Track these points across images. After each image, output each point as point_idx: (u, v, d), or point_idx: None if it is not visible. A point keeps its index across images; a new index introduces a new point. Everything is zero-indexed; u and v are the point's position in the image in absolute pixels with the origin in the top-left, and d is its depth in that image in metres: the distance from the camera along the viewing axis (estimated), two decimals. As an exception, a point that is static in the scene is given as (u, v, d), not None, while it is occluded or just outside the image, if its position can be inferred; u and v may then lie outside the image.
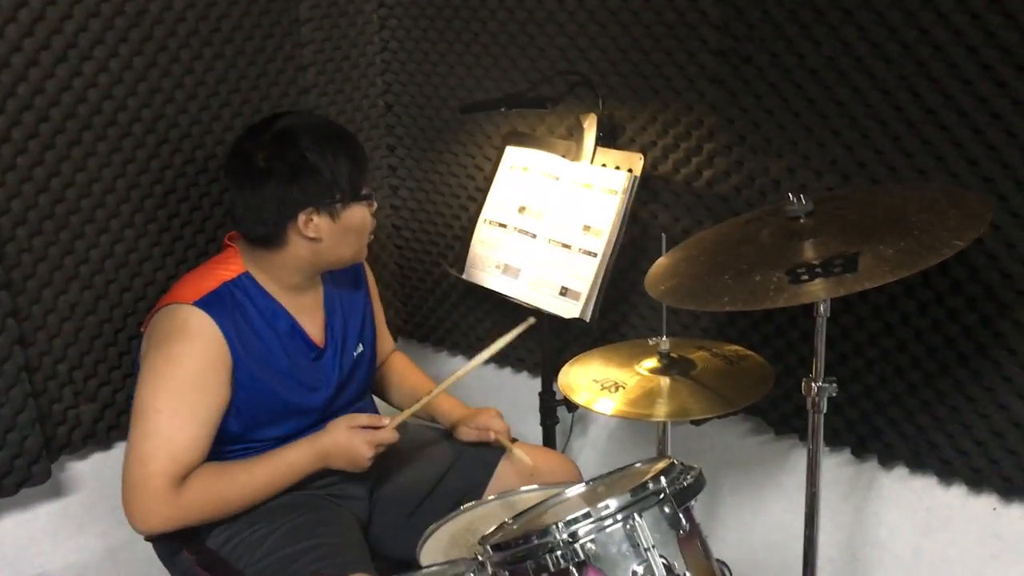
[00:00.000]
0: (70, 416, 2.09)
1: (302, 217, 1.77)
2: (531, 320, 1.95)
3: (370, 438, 1.81)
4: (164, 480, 1.69)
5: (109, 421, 2.15)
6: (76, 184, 2.01)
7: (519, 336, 1.91)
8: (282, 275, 1.85)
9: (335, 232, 1.81)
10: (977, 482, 1.93)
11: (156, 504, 1.70)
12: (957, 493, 1.98)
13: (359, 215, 1.84)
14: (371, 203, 1.86)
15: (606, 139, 2.20)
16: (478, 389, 2.72)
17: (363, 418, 1.84)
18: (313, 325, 1.91)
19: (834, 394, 1.67)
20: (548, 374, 2.36)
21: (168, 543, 1.85)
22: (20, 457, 1.98)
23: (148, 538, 1.89)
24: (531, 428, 2.44)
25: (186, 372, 1.73)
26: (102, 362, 2.12)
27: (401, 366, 2.25)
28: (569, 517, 1.31)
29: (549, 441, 2.42)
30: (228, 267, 1.84)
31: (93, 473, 2.19)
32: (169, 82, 2.12)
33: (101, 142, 2.03)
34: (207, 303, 1.76)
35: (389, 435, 1.84)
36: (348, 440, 1.80)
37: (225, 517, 1.78)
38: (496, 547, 1.35)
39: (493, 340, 2.61)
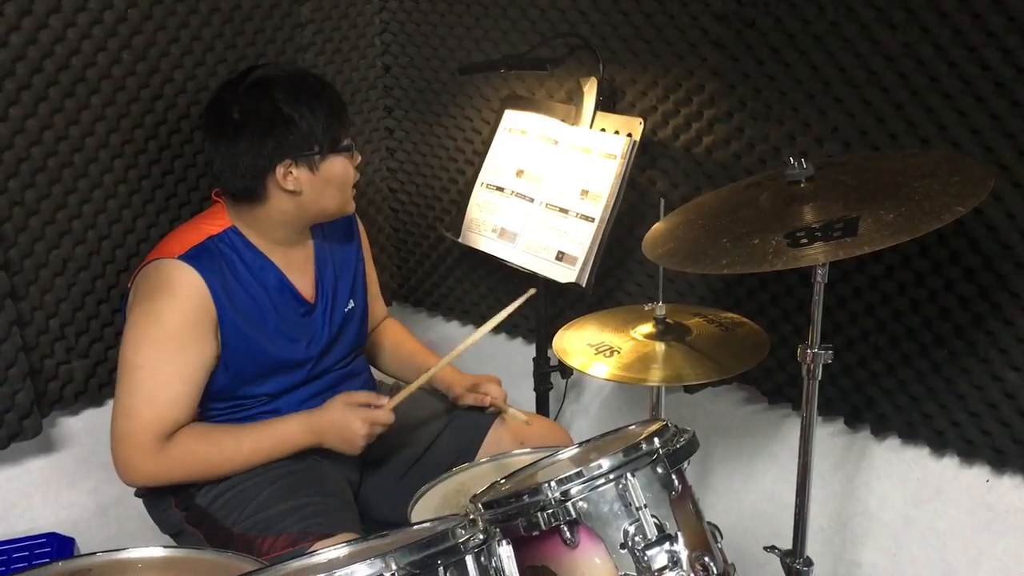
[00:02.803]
0: (62, 372, 2.08)
1: (280, 170, 1.75)
2: (532, 291, 1.93)
3: (366, 416, 1.77)
4: (148, 436, 1.69)
5: (101, 378, 2.14)
6: (69, 138, 1.99)
7: (520, 307, 1.89)
8: (267, 230, 1.83)
9: (316, 184, 1.79)
10: (969, 453, 1.93)
11: (140, 459, 1.70)
12: (949, 464, 1.98)
13: (340, 167, 1.81)
14: (352, 155, 1.83)
15: (606, 103, 2.18)
16: (472, 355, 2.68)
17: (361, 396, 1.82)
18: (303, 280, 1.89)
19: (829, 361, 1.67)
20: (543, 340, 2.35)
21: (157, 499, 1.85)
22: (11, 411, 1.97)
23: (138, 494, 1.89)
24: (525, 394, 2.44)
25: (169, 328, 1.71)
26: (94, 318, 2.10)
27: (395, 333, 2.24)
28: (561, 476, 1.30)
29: (543, 407, 2.42)
30: (214, 222, 1.82)
31: (85, 429, 2.18)
32: (164, 36, 2.09)
33: (95, 95, 2.01)
34: (191, 256, 1.74)
35: (386, 416, 1.80)
36: (344, 418, 1.78)
37: (209, 480, 1.78)
38: (487, 505, 1.34)
39: (491, 309, 2.62)
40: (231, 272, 1.78)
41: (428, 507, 1.72)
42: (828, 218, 1.45)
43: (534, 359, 2.39)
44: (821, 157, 1.91)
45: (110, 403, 2.16)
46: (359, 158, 1.87)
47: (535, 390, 2.41)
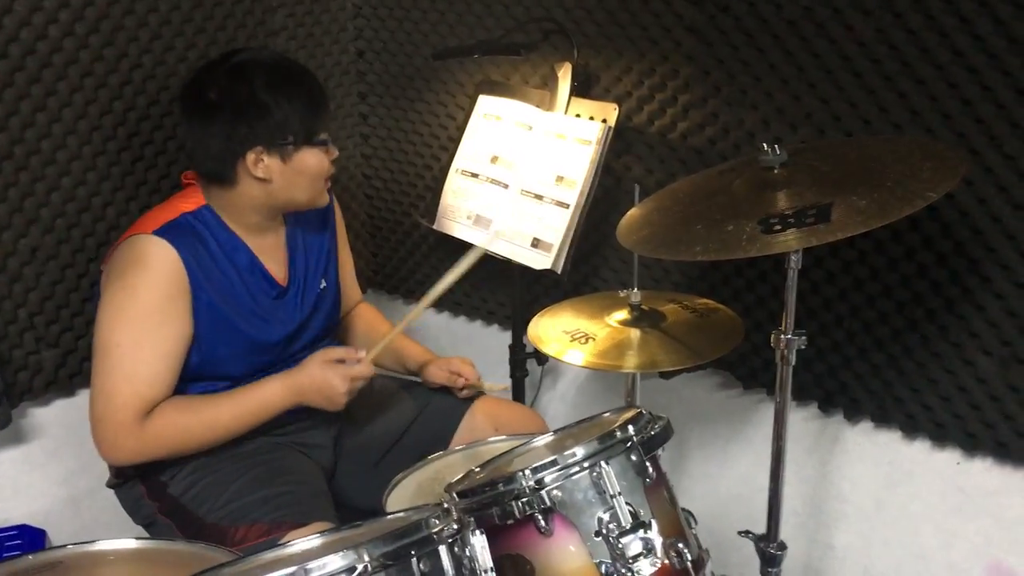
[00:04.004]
0: (31, 362, 2.05)
1: (251, 156, 1.74)
2: (480, 249, 1.90)
3: (345, 372, 1.76)
4: (129, 413, 1.67)
5: (71, 368, 2.12)
6: (35, 125, 1.96)
7: (472, 266, 1.86)
8: (238, 213, 1.81)
9: (286, 174, 1.77)
10: (941, 437, 1.95)
11: (122, 437, 1.68)
12: (921, 448, 1.99)
13: (313, 160, 1.79)
14: (328, 149, 1.82)
15: (580, 89, 2.17)
16: (447, 342, 2.71)
17: (338, 351, 1.80)
18: (275, 263, 1.88)
19: (803, 347, 1.67)
20: (518, 327, 2.35)
21: (129, 490, 1.83)
22: (-20, 402, 1.95)
23: (109, 484, 1.87)
24: (501, 380, 2.43)
25: (145, 303, 1.69)
26: (64, 307, 2.08)
27: (368, 316, 2.22)
28: (536, 464, 1.30)
29: (518, 394, 2.42)
30: (188, 200, 1.80)
31: (55, 420, 2.16)
32: (132, 20, 2.06)
33: (62, 81, 1.98)
34: (165, 231, 1.72)
35: (365, 369, 1.78)
36: (323, 374, 1.76)
37: (193, 451, 1.75)
38: (462, 494, 1.34)
39: (467, 296, 2.61)
40: (204, 248, 1.76)
41: (403, 495, 1.72)
42: (801, 204, 1.46)
43: (510, 346, 2.39)
44: (795, 143, 1.91)
45: (81, 393, 2.16)
46: (335, 153, 1.85)
47: (511, 377, 2.40)
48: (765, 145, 1.56)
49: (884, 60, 1.79)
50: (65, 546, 1.51)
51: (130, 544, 1.53)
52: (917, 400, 1.95)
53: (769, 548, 1.77)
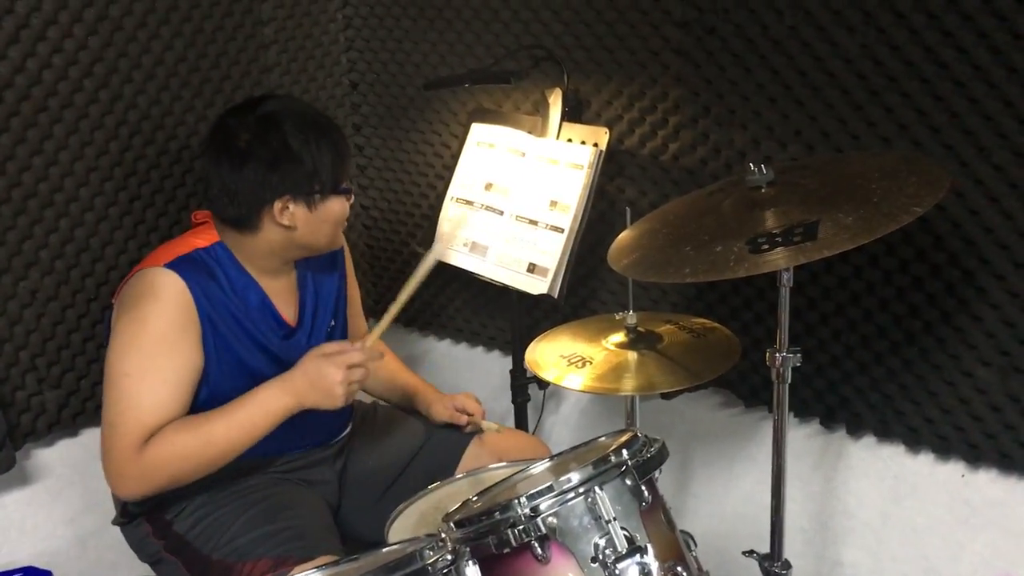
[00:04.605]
0: (34, 403, 2.07)
1: (278, 204, 1.74)
2: (435, 250, 1.89)
3: (340, 361, 1.70)
4: (131, 442, 1.65)
5: (74, 408, 2.13)
6: (32, 168, 1.99)
7: (430, 270, 1.84)
8: (254, 256, 1.81)
9: (311, 222, 1.78)
10: (944, 449, 1.94)
11: (125, 466, 1.66)
12: (925, 461, 1.99)
13: (337, 207, 1.80)
14: (350, 196, 1.83)
15: (571, 114, 2.19)
16: (449, 368, 2.72)
17: (331, 346, 1.75)
18: (285, 304, 1.88)
19: (798, 364, 1.67)
20: (518, 352, 2.35)
21: (135, 528, 1.83)
22: (-17, 445, 1.96)
23: (116, 522, 1.88)
24: (503, 406, 2.44)
25: (153, 333, 1.69)
26: (65, 348, 2.09)
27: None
28: (531, 492, 1.30)
29: (521, 419, 2.41)
30: (201, 237, 1.81)
31: (60, 460, 2.17)
32: (126, 63, 2.09)
33: (57, 124, 2.01)
34: (176, 264, 1.73)
35: (358, 355, 1.71)
36: (317, 369, 1.70)
37: (196, 474, 1.70)
38: (459, 523, 1.34)
39: (467, 322, 2.60)
40: (215, 284, 1.76)
41: (405, 526, 1.72)
42: (789, 223, 1.46)
43: (511, 371, 2.39)
44: (785, 160, 1.92)
45: (84, 433, 2.17)
46: (353, 198, 1.86)
47: (513, 402, 2.40)
48: (752, 165, 1.57)
49: (870, 75, 1.80)
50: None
51: (134, 584, 1.54)
52: (919, 413, 1.95)
53: (774, 568, 1.76)
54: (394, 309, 1.81)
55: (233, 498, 1.78)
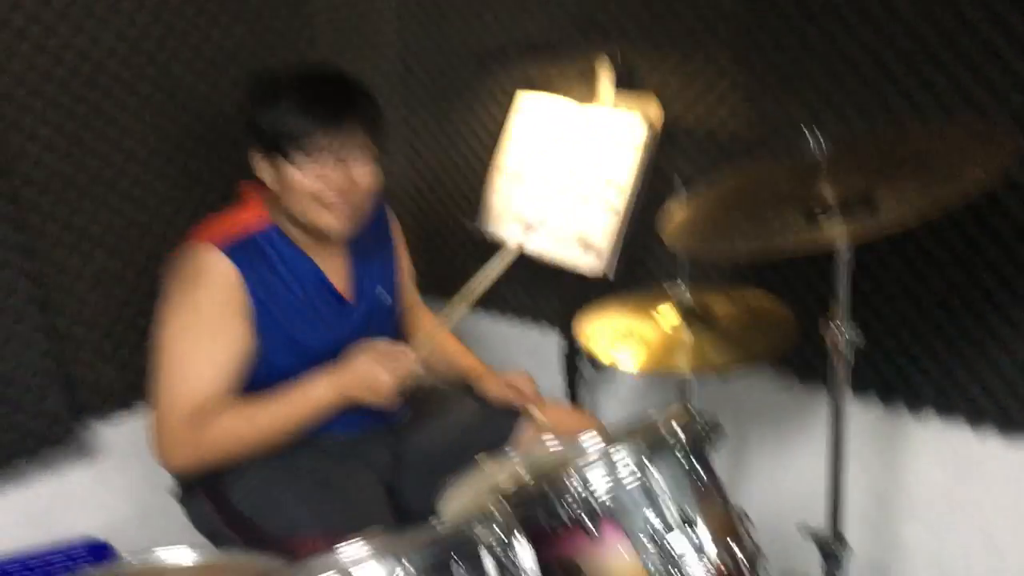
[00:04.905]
0: (93, 379, 2.10)
1: (253, 154, 1.74)
2: (515, 247, 1.85)
3: (393, 366, 1.72)
4: (178, 419, 1.68)
5: (134, 383, 2.16)
6: (96, 152, 2.02)
7: (508, 266, 1.81)
8: (289, 225, 1.81)
9: (281, 186, 1.74)
10: (1008, 425, 1.88)
11: (174, 444, 1.70)
12: (988, 437, 1.92)
13: (296, 176, 1.72)
14: (320, 170, 1.71)
15: (621, 83, 2.15)
16: (500, 346, 2.71)
17: (383, 345, 1.76)
18: (338, 276, 1.88)
19: (856, 338, 1.63)
20: (569, 329, 2.33)
21: (193, 501, 1.86)
22: (43, 419, 2.00)
23: (174, 495, 1.91)
24: (553, 382, 2.42)
25: (204, 316, 1.71)
26: (131, 329, 2.13)
27: (428, 324, 2.23)
28: (582, 467, 1.29)
29: (574, 397, 2.40)
30: (252, 214, 1.80)
31: (121, 435, 2.21)
32: (174, 41, 2.10)
33: (120, 109, 2.03)
34: (232, 251, 1.73)
35: (409, 363, 1.74)
36: (369, 369, 1.72)
37: (246, 456, 1.74)
38: (510, 500, 1.33)
39: (520, 301, 2.59)
40: (269, 269, 1.77)
41: (458, 502, 1.71)
42: (846, 194, 1.42)
43: (562, 349, 2.37)
44: (841, 131, 1.86)
45: (144, 408, 2.20)
46: (334, 177, 1.72)
47: (565, 379, 2.39)
48: (808, 135, 1.53)
49: (931, 42, 1.73)
50: (123, 561, 1.55)
51: (189, 556, 1.56)
52: (982, 388, 1.89)
53: (831, 546, 1.73)
54: (456, 312, 1.82)
55: (288, 473, 1.79)
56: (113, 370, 2.11)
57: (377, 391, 1.72)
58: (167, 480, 1.93)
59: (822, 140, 1.52)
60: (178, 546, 1.54)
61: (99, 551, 2.09)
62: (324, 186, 1.72)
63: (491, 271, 1.80)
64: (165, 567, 1.53)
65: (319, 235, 1.81)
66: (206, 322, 1.71)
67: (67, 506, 2.16)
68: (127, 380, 2.14)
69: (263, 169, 1.75)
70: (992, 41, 1.67)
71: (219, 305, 1.72)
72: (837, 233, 1.36)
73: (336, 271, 1.87)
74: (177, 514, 1.94)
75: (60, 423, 2.02)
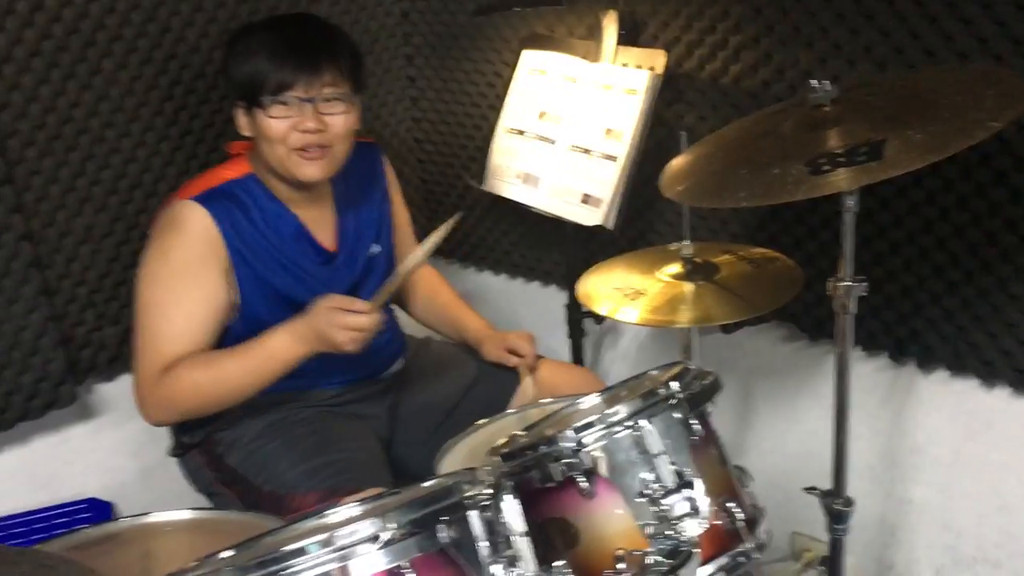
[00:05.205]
0: (94, 339, 2.09)
1: (235, 108, 1.75)
2: (458, 215, 1.75)
3: (342, 322, 1.61)
4: (150, 371, 1.68)
5: (127, 340, 2.14)
6: (83, 104, 1.97)
7: (449, 231, 1.68)
8: (273, 180, 1.79)
9: (257, 135, 1.74)
10: (1021, 383, 1.84)
11: (146, 394, 1.70)
12: (1000, 395, 1.89)
13: (266, 123, 1.70)
14: (292, 114, 1.69)
15: (627, 37, 2.09)
16: (505, 304, 2.68)
17: (338, 299, 1.66)
18: (323, 229, 1.85)
19: (864, 294, 1.59)
20: (573, 286, 2.29)
21: (190, 460, 1.86)
22: (45, 380, 1.99)
23: (171, 454, 1.90)
24: (560, 342, 2.40)
25: (176, 264, 1.70)
26: (123, 284, 2.10)
27: (430, 281, 2.20)
28: (577, 425, 1.26)
29: (577, 354, 2.37)
30: (233, 169, 1.80)
31: (122, 394, 2.18)
32: (171, -9, 2.06)
33: (106, 58, 1.99)
34: (204, 198, 1.72)
35: (364, 320, 1.62)
36: (323, 321, 1.62)
37: (219, 407, 1.71)
38: (505, 457, 1.31)
39: (523, 257, 2.55)
40: (245, 217, 1.75)
41: (454, 461, 1.69)
42: (853, 142, 1.37)
43: (566, 306, 2.34)
44: (851, 80, 1.80)
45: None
46: (307, 121, 1.69)
47: (569, 337, 2.36)
48: (814, 82, 1.47)
49: (946, -15, 1.67)
50: (121, 518, 1.54)
51: (185, 515, 1.55)
52: (995, 345, 1.84)
53: (835, 504, 1.70)
54: (404, 269, 1.74)
55: (283, 431, 1.78)
56: (108, 327, 2.09)
57: (334, 346, 1.64)
58: (168, 439, 1.92)
59: (830, 88, 1.47)
60: (174, 508, 1.54)
61: (101, 509, 2.09)
62: (296, 131, 1.71)
63: (433, 239, 1.68)
64: (159, 524, 1.53)
65: (298, 185, 1.78)
66: (179, 271, 1.70)
67: (70, 467, 2.16)
68: (123, 336, 2.11)
69: (242, 121, 1.75)
70: (1009, -16, 1.60)
71: (195, 257, 1.70)
72: (842, 181, 1.31)
73: (320, 222, 1.85)
74: (179, 473, 1.94)
75: (60, 383, 2.01)
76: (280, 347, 1.67)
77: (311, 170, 1.74)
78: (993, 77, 1.44)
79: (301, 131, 1.70)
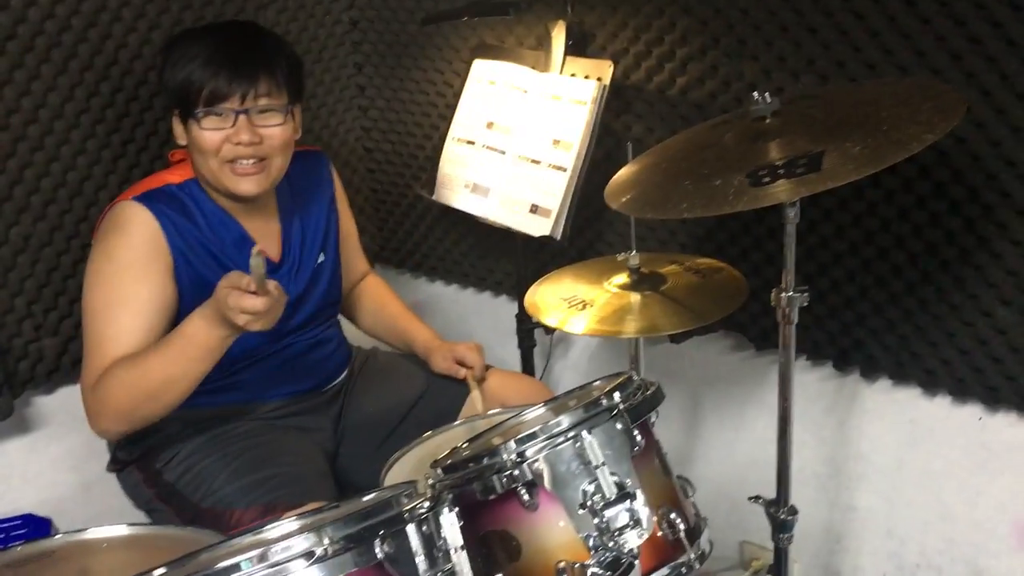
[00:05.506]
0: (31, 350, 2.04)
1: (172, 118, 1.72)
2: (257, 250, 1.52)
3: (237, 304, 1.46)
4: (94, 376, 1.62)
5: (73, 354, 2.10)
6: (21, 110, 1.93)
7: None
8: (209, 185, 1.76)
9: (189, 144, 1.70)
10: (961, 392, 1.87)
11: (86, 399, 1.64)
12: (941, 404, 1.92)
13: (196, 134, 1.67)
14: (224, 126, 1.65)
15: (576, 48, 2.10)
16: (456, 314, 2.67)
17: (232, 277, 1.49)
18: (266, 238, 1.82)
19: (805, 304, 1.60)
20: (523, 296, 2.29)
21: (128, 476, 1.82)
22: (-20, 393, 1.94)
23: (110, 470, 1.86)
24: (511, 352, 2.39)
25: (119, 265, 1.66)
26: (62, 294, 2.06)
27: (378, 292, 2.18)
28: (519, 436, 1.25)
29: (528, 365, 2.37)
30: (176, 174, 1.77)
31: (60, 407, 2.15)
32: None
33: (45, 64, 1.95)
34: (145, 197, 1.69)
35: (259, 303, 1.46)
36: (222, 304, 1.49)
37: (153, 408, 1.61)
38: (446, 469, 1.30)
39: (473, 267, 2.54)
40: (188, 220, 1.72)
41: (401, 473, 1.68)
42: (793, 154, 1.38)
43: (516, 316, 2.33)
44: (794, 92, 1.82)
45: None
46: (238, 133, 1.66)
47: (519, 348, 2.35)
48: (756, 94, 1.49)
49: (888, 1, 1.70)
50: (57, 535, 1.50)
51: (122, 531, 1.51)
52: (936, 355, 1.87)
53: (779, 513, 1.71)
54: None
55: (221, 445, 1.75)
56: (46, 339, 2.04)
57: (236, 326, 1.51)
58: (107, 453, 1.88)
59: (771, 100, 1.48)
60: (113, 523, 1.50)
61: (39, 525, 2.04)
62: (229, 143, 1.67)
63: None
64: (96, 541, 1.49)
65: (235, 198, 1.75)
66: (123, 272, 1.65)
67: (6, 481, 2.11)
68: (62, 348, 2.07)
69: (178, 130, 1.72)
70: (948, 0, 1.63)
71: (139, 256, 1.66)
72: (782, 193, 1.32)
73: (263, 231, 1.82)
74: (119, 488, 1.90)
75: (0, 398, 1.95)
76: (194, 331, 1.56)
77: (246, 185, 1.71)
78: (930, 91, 1.46)
79: (234, 143, 1.66)
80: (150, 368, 1.58)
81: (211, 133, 1.66)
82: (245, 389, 1.70)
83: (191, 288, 1.70)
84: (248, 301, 1.45)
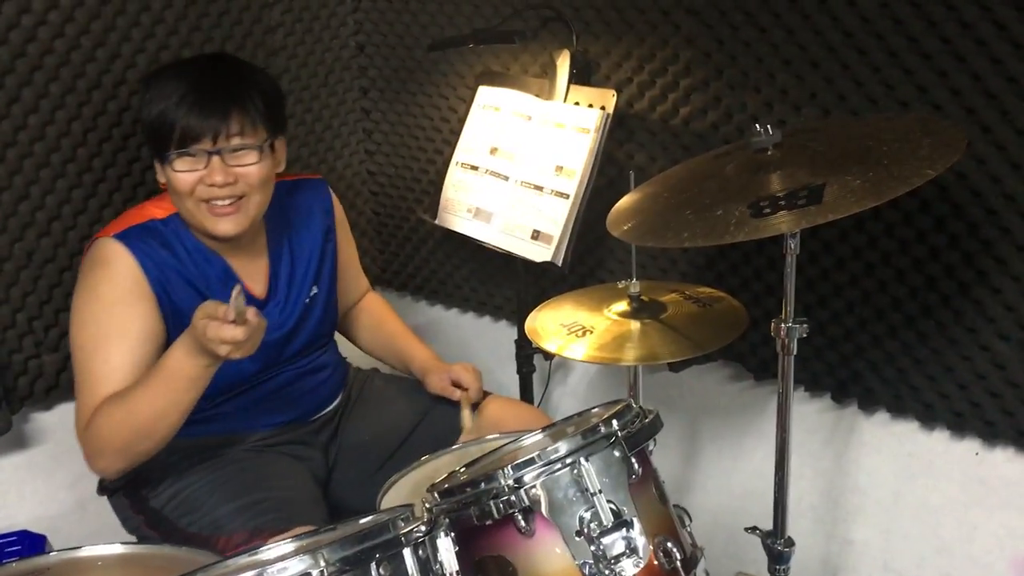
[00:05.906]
0: (31, 367, 2.04)
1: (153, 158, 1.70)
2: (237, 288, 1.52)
3: (215, 335, 1.44)
4: (87, 417, 1.62)
5: (72, 371, 2.10)
6: (28, 127, 1.95)
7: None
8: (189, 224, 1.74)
9: (167, 184, 1.68)
10: (959, 426, 1.87)
11: (81, 440, 1.64)
12: (939, 438, 1.92)
13: (171, 176, 1.64)
14: (199, 166, 1.63)
15: (580, 76, 2.12)
16: (456, 338, 2.67)
17: (208, 306, 1.48)
18: (252, 275, 1.80)
19: (804, 335, 1.61)
20: (523, 322, 2.30)
21: (117, 501, 1.81)
22: (-21, 408, 1.94)
23: (101, 493, 1.85)
24: (510, 377, 2.39)
25: (106, 300, 1.65)
26: (63, 311, 2.06)
27: (377, 309, 2.16)
28: (516, 462, 1.25)
29: (526, 390, 2.37)
30: (160, 205, 1.76)
31: (59, 424, 2.14)
32: (125, 20, 2.04)
33: (53, 83, 1.96)
34: (125, 235, 1.68)
35: (238, 332, 1.44)
36: (200, 335, 1.47)
37: (143, 444, 1.60)
38: (443, 494, 1.30)
39: (474, 291, 2.54)
40: (172, 255, 1.70)
41: (397, 497, 1.67)
42: (794, 186, 1.39)
43: (515, 341, 2.34)
44: (796, 124, 1.84)
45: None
46: (208, 174, 1.63)
47: (518, 373, 2.36)
48: (758, 126, 1.50)
49: (888, 35, 1.72)
50: (51, 552, 1.50)
51: (117, 549, 1.51)
52: (934, 389, 1.87)
53: (776, 545, 1.70)
54: None
55: (208, 472, 1.74)
56: (46, 355, 2.04)
57: (215, 356, 1.49)
58: (103, 472, 1.88)
59: (773, 133, 1.50)
60: (108, 542, 1.50)
61: (34, 542, 2.03)
62: (203, 184, 1.64)
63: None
64: (91, 559, 1.49)
65: (215, 237, 1.72)
66: (107, 310, 1.64)
67: (3, 497, 2.11)
68: (61, 366, 2.07)
69: (157, 167, 1.69)
70: (949, 35, 1.65)
71: (124, 292, 1.65)
72: (782, 224, 1.33)
73: (249, 268, 1.80)
74: (116, 506, 1.90)
75: (-4, 412, 1.96)
76: (176, 363, 1.54)
77: (224, 226, 1.68)
78: (931, 126, 1.47)
79: (208, 185, 1.64)
80: (138, 404, 1.57)
81: (184, 175, 1.63)
82: (234, 418, 1.69)
83: (174, 321, 1.68)
84: (227, 331, 1.43)
